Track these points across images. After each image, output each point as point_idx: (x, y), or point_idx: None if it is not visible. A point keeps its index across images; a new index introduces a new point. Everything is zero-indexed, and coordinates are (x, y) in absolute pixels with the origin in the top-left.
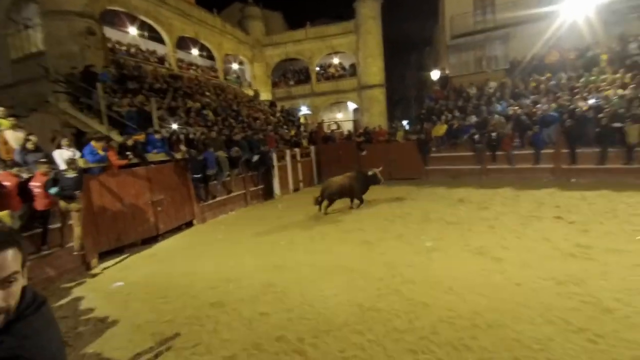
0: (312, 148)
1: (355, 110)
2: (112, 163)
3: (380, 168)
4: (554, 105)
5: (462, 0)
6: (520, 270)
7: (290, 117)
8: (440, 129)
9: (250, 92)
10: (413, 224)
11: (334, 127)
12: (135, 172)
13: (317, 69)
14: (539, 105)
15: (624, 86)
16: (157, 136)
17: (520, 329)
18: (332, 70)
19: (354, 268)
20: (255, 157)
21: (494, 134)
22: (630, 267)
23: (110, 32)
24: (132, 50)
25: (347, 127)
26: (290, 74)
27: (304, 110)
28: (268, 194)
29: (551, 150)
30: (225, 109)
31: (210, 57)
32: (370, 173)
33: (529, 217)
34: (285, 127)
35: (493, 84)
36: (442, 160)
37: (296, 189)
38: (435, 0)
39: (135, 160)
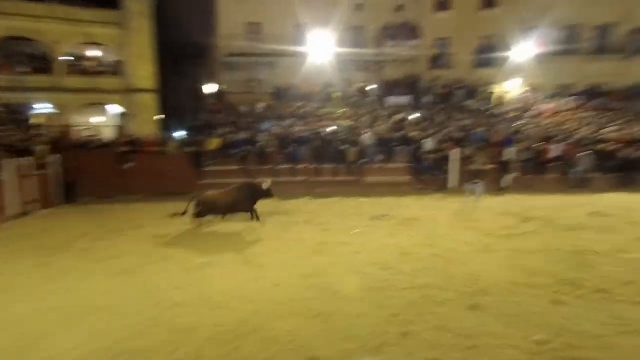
0: (55, 157)
1: (121, 116)
2: None
3: (270, 181)
4: (305, 127)
5: (234, 21)
6: (279, 271)
7: (17, 114)
8: (215, 142)
9: None
10: (183, 241)
11: (89, 132)
12: None
13: (67, 58)
14: (295, 127)
15: (348, 118)
16: None
17: (276, 326)
18: (88, 63)
19: (106, 305)
20: None
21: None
22: (352, 254)
23: None
24: None
25: (109, 133)
26: (22, 57)
27: (44, 108)
28: None
29: (304, 165)
30: None
31: None
32: (265, 187)
33: (288, 222)
34: (6, 127)
35: (261, 105)
36: (216, 173)
37: (24, 213)
38: (210, 15)
39: None
